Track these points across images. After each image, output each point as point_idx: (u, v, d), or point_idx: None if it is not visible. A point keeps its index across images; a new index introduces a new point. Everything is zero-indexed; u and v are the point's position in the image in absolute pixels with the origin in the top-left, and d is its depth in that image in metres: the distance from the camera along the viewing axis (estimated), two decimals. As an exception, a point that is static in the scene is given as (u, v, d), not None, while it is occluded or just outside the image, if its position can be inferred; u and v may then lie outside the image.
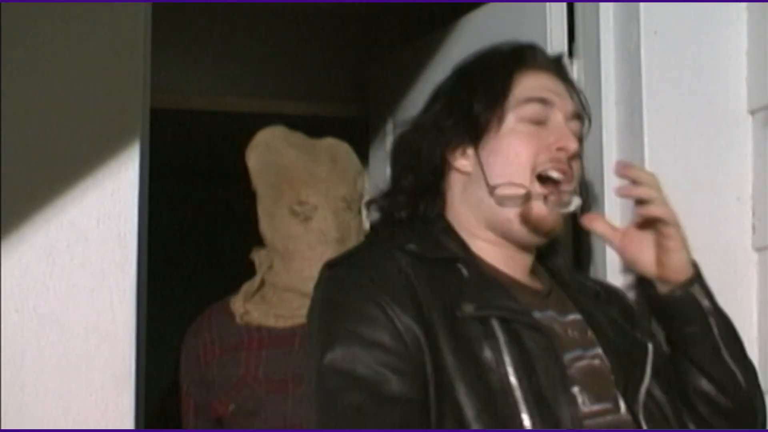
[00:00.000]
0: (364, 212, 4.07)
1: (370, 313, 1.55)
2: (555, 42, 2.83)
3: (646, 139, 2.57)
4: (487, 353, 1.57)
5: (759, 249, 2.58)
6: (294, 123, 4.73)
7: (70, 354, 2.22)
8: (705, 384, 1.83)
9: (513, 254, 1.82)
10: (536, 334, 1.63)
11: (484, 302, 1.61)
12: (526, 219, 1.77)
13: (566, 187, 1.79)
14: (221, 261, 7.10)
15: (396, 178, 1.87)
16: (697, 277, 1.86)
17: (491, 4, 3.10)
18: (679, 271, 1.84)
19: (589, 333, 1.77)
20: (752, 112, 2.62)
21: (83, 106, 2.28)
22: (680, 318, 1.85)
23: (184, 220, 6.89)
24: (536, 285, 1.83)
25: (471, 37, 3.19)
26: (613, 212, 2.64)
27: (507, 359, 1.57)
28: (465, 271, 1.68)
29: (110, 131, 2.29)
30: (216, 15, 4.13)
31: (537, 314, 1.69)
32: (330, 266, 1.69)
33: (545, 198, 1.76)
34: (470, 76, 1.85)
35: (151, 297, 2.42)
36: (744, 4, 2.64)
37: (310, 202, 2.64)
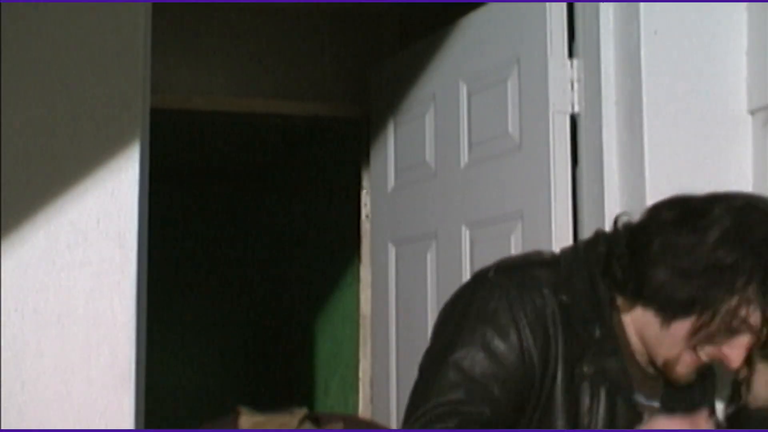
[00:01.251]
0: (363, 212, 4.08)
1: (505, 328, 1.77)
2: (555, 42, 2.84)
3: (646, 139, 2.57)
4: (585, 408, 1.81)
5: (759, 249, 2.58)
6: (294, 123, 4.75)
7: (70, 354, 2.22)
8: None
9: None
10: (630, 413, 1.84)
11: (600, 369, 1.81)
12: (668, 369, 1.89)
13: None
14: (221, 260, 7.12)
15: (622, 260, 1.86)
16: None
17: (491, 4, 3.11)
18: (755, 397, 1.90)
19: (646, 418, 1.89)
20: (752, 112, 2.62)
21: (83, 107, 2.28)
22: None
23: (184, 220, 6.89)
24: (650, 368, 1.92)
25: (471, 37, 3.19)
26: (612, 211, 2.64)
27: (599, 422, 1.81)
28: (597, 332, 1.83)
29: (110, 131, 2.29)
30: (216, 15, 4.13)
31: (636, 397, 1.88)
32: (488, 271, 1.86)
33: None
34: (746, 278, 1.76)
35: (151, 297, 2.42)
36: (744, 4, 2.64)
37: None
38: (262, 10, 4.16)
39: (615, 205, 2.63)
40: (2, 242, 2.21)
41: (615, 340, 1.85)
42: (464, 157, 3.18)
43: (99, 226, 2.26)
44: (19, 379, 2.19)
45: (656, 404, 1.91)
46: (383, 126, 3.63)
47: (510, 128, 2.98)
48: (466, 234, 3.16)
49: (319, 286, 5.50)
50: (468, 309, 1.83)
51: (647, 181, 2.56)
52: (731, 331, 1.78)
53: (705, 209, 1.80)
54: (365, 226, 4.06)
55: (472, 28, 3.19)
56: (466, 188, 3.16)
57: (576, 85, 2.79)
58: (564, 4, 2.83)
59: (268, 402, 6.52)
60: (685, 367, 1.84)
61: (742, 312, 1.75)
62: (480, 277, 1.88)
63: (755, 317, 1.76)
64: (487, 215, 3.06)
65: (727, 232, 1.76)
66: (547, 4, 2.85)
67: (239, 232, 6.93)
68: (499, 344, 1.76)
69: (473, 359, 1.76)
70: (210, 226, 6.99)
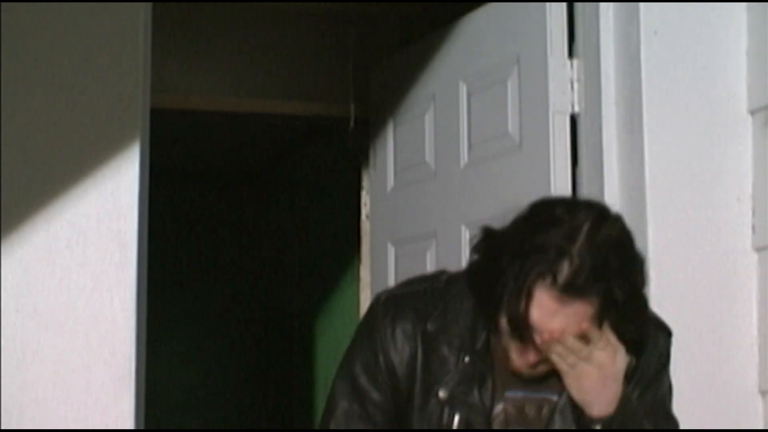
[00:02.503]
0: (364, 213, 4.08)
1: (377, 352, 1.93)
2: (555, 42, 2.83)
3: (646, 139, 2.57)
4: (439, 427, 1.89)
5: (759, 249, 2.58)
6: (294, 123, 4.75)
7: (70, 354, 2.22)
8: None
9: None
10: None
11: (455, 396, 1.89)
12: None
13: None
14: (220, 260, 7.12)
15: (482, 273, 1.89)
16: (605, 420, 1.87)
17: (491, 4, 3.11)
18: (583, 405, 1.88)
19: (545, 412, 1.92)
20: (752, 112, 2.62)
21: (83, 106, 2.28)
22: None
23: (184, 220, 6.89)
24: (536, 371, 1.91)
25: (471, 37, 3.19)
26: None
27: None
28: (467, 359, 1.90)
29: (110, 131, 2.29)
30: (216, 15, 4.13)
31: (508, 394, 1.91)
32: (381, 297, 1.99)
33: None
34: (516, 258, 1.78)
35: (151, 297, 2.42)
36: (744, 4, 2.64)
37: None
38: (262, 10, 4.16)
39: (615, 205, 2.63)
40: (2, 242, 2.21)
41: (488, 364, 1.89)
42: (464, 157, 3.18)
43: (99, 226, 2.26)
44: (19, 378, 2.19)
45: (548, 396, 1.91)
46: (383, 126, 3.63)
47: (510, 128, 2.98)
48: (466, 234, 3.16)
49: (319, 286, 5.50)
50: (358, 331, 2.00)
51: (647, 181, 2.56)
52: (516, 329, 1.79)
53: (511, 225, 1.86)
54: (365, 226, 4.06)
55: (472, 28, 3.19)
56: (466, 188, 3.16)
57: (576, 85, 2.79)
58: (564, 4, 2.83)
59: (267, 402, 6.53)
60: (517, 359, 1.84)
61: (515, 310, 1.76)
62: (372, 303, 2.00)
63: (537, 318, 1.75)
64: (487, 215, 3.04)
65: (512, 235, 1.82)
66: (547, 4, 2.85)
67: (239, 232, 6.93)
68: (373, 365, 1.92)
69: (355, 379, 1.93)
70: (210, 226, 6.98)
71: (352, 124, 3.85)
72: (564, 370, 1.81)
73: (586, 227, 1.74)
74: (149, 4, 2.39)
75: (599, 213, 1.78)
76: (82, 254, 2.25)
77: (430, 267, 3.31)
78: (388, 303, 1.97)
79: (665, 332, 1.97)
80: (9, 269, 2.21)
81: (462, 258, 3.15)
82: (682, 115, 2.59)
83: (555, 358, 1.79)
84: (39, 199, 2.24)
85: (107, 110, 2.29)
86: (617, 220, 1.79)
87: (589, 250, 1.72)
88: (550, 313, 1.74)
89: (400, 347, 1.91)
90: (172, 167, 6.29)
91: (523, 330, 1.76)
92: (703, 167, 2.59)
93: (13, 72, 2.25)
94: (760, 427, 2.55)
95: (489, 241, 1.86)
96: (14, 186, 2.23)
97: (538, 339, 1.76)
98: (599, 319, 1.75)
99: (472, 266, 1.87)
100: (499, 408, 1.90)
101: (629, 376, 1.85)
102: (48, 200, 2.25)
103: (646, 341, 1.89)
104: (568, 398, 1.87)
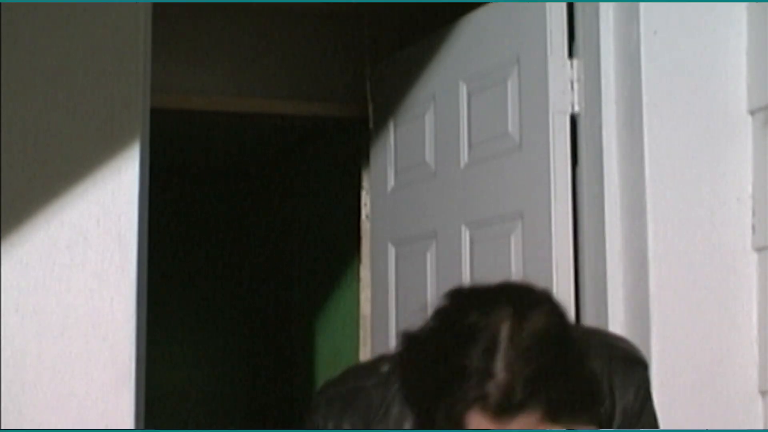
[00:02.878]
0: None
1: None
2: (555, 42, 2.84)
3: (646, 139, 2.57)
4: None
5: (759, 249, 2.58)
6: (294, 123, 4.75)
7: (70, 354, 2.22)
8: None
9: None
10: None
11: None
12: None
13: None
14: (221, 260, 7.12)
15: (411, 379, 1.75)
16: None
17: (491, 4, 3.11)
18: None
19: None
20: (752, 112, 2.62)
21: (83, 107, 2.28)
22: None
23: (184, 220, 6.89)
24: None
25: (471, 37, 3.19)
26: (612, 211, 2.65)
27: None
28: None
29: (110, 131, 2.29)
30: (216, 15, 4.13)
31: None
32: (323, 395, 1.92)
33: None
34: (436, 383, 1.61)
35: (151, 297, 2.42)
36: (744, 4, 2.64)
37: None
38: (262, 10, 4.16)
39: (615, 205, 2.63)
40: (2, 242, 2.21)
41: None
42: (464, 157, 3.18)
43: (99, 226, 2.26)
44: (19, 379, 2.19)
45: None
46: (383, 126, 3.63)
47: (510, 128, 2.98)
48: (466, 234, 3.16)
49: (319, 286, 5.50)
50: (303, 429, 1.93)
51: (647, 181, 2.56)
52: None
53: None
54: (365, 226, 4.06)
55: (472, 28, 3.19)
56: (466, 188, 3.16)
57: (576, 85, 2.79)
58: (564, 4, 2.84)
59: (267, 402, 6.53)
60: None
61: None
62: (315, 401, 1.94)
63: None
64: (487, 215, 3.06)
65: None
66: (547, 4, 2.85)
67: (239, 232, 6.93)
68: None
69: None
70: (210, 226, 6.99)
71: (371, 125, 3.83)
72: None
73: (504, 332, 1.52)
74: (149, 4, 2.39)
75: (518, 305, 1.55)
76: (82, 254, 2.25)
77: (430, 267, 3.32)
78: (331, 405, 1.89)
79: (640, 366, 1.80)
80: (9, 269, 2.21)
81: (462, 258, 3.15)
82: (682, 115, 2.59)
83: None
84: (39, 199, 2.24)
85: (107, 110, 2.29)
86: (540, 305, 1.57)
87: (514, 359, 1.51)
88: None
89: None
90: (172, 167, 6.29)
91: None
92: (702, 167, 2.59)
93: (13, 72, 2.25)
94: (760, 427, 2.55)
95: (411, 357, 1.66)
96: (14, 186, 2.23)
97: None
98: (554, 417, 1.54)
99: (402, 379, 1.69)
100: None
101: (604, 425, 1.69)
102: (48, 200, 2.25)
103: (616, 398, 1.73)
104: None
